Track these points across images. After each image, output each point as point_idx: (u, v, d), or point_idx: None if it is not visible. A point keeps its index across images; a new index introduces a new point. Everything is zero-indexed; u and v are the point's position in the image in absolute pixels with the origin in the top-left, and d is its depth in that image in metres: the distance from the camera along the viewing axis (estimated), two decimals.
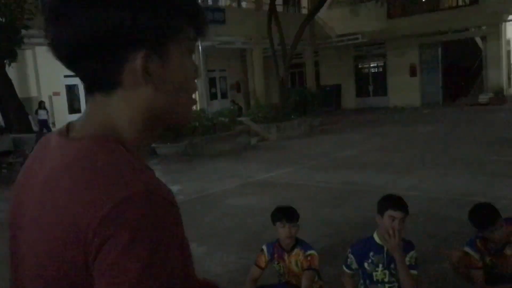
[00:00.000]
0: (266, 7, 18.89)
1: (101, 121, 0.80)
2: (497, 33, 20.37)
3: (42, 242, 0.74)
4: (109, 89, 0.80)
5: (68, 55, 0.79)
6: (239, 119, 15.23)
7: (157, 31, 0.77)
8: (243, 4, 23.48)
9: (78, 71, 0.81)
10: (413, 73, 22.72)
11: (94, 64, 0.78)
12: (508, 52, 21.22)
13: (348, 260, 3.24)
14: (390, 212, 3.01)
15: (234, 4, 22.21)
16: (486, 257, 3.27)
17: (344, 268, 3.27)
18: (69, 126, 0.86)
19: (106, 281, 0.67)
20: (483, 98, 19.88)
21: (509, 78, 21.20)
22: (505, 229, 3.18)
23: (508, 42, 21.11)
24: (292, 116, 15.96)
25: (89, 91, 0.82)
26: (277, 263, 3.50)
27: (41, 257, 0.74)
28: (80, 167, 0.74)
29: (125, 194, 0.69)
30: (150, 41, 0.77)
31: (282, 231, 3.39)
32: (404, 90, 22.62)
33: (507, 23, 20.58)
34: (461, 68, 22.10)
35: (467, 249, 3.33)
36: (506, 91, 20.55)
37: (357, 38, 22.24)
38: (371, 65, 25.22)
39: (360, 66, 25.39)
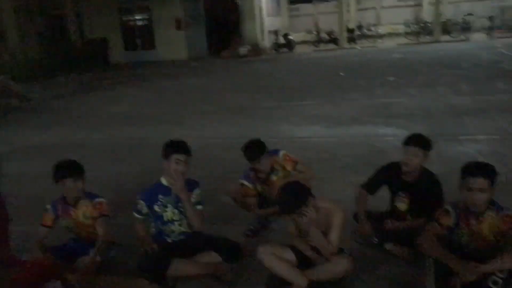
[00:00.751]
0: None
1: None
2: None
3: None
4: None
5: None
6: None
7: None
8: None
9: None
10: (178, 26, 23.24)
11: None
12: (260, 7, 23.45)
13: (138, 206, 3.36)
14: (175, 156, 3.22)
15: None
16: (258, 186, 3.82)
17: (135, 214, 3.38)
18: None
19: None
20: (242, 50, 21.76)
21: (262, 32, 23.54)
22: (270, 159, 3.75)
23: None
24: (58, 73, 14.83)
25: None
26: (63, 219, 3.43)
27: None
28: None
29: None
30: None
31: (67, 188, 3.33)
32: (171, 43, 23.01)
33: None
34: (223, 23, 23.56)
35: (242, 181, 3.82)
36: (260, 44, 22.86)
37: None
38: (137, 18, 24.76)
39: (125, 19, 24.66)
